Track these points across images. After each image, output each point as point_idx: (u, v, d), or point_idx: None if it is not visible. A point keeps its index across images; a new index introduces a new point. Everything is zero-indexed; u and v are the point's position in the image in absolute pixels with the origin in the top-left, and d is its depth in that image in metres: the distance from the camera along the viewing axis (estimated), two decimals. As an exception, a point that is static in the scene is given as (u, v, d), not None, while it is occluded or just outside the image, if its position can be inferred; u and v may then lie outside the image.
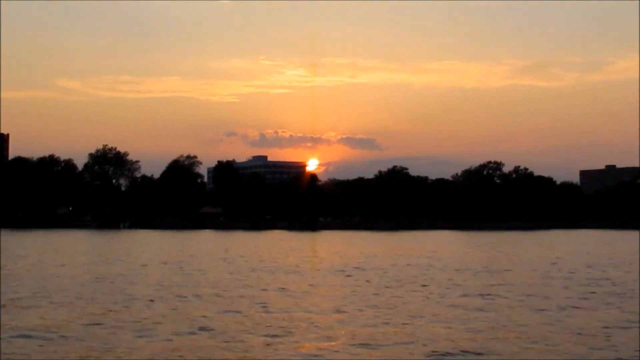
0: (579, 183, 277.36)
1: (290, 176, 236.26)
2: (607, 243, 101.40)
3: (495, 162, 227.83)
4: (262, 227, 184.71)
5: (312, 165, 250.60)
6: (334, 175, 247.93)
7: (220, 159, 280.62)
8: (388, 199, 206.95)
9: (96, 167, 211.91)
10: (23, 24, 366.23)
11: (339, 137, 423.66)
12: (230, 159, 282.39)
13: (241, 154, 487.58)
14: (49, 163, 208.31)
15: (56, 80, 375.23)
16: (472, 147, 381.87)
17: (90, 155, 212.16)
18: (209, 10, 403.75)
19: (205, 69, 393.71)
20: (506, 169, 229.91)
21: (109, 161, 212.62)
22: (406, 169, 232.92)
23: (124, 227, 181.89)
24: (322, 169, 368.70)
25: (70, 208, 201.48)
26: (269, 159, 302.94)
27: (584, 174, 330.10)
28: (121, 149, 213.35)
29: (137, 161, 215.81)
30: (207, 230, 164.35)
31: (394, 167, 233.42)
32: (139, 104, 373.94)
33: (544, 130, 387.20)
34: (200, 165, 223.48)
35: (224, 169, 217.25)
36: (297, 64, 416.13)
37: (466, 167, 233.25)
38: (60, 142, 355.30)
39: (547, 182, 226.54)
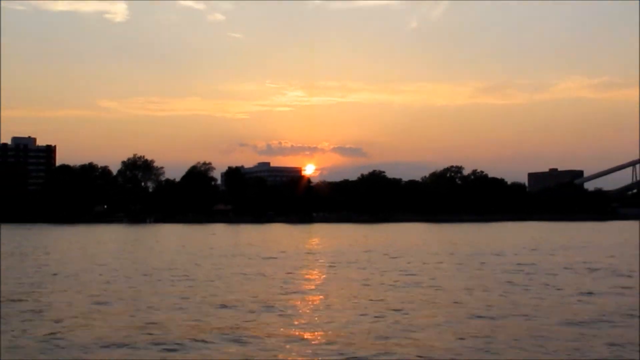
0: (526, 183, 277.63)
1: (289, 179, 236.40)
2: (540, 233, 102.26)
3: (457, 166, 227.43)
4: (263, 221, 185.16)
5: (310, 169, 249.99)
6: (327, 178, 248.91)
7: (232, 165, 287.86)
8: (369, 197, 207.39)
9: (128, 172, 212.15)
10: (71, 54, 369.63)
11: (331, 146, 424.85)
12: (240, 165, 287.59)
13: (251, 161, 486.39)
14: (89, 169, 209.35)
15: (98, 101, 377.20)
16: (442, 153, 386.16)
17: (123, 162, 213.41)
18: (224, 42, 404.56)
19: (220, 91, 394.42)
20: (466, 172, 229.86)
21: (138, 167, 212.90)
22: (384, 172, 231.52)
23: (149, 222, 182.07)
24: (317, 173, 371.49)
25: (105, 206, 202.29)
26: (273, 164, 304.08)
27: (531, 175, 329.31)
28: (150, 157, 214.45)
29: (162, 167, 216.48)
30: (218, 224, 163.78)
31: (374, 171, 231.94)
32: (166, 121, 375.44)
33: (500, 139, 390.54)
34: (214, 170, 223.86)
35: (233, 173, 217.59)
36: (296, 86, 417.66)
37: (434, 170, 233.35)
38: (100, 152, 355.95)
39: (499, 182, 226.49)
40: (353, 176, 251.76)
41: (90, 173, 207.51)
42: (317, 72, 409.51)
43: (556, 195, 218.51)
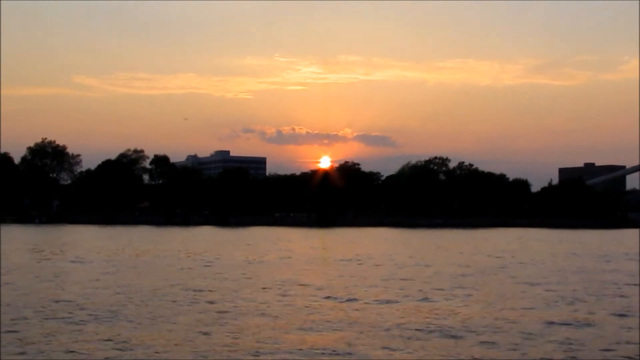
0: (557, 179, 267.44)
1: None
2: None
3: (441, 158, 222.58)
4: (175, 222, 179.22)
5: (325, 162, 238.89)
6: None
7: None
8: (322, 195, 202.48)
9: (36, 161, 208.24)
10: (39, 21, 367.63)
11: (354, 134, 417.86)
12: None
13: (258, 150, 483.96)
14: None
15: (73, 77, 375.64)
16: (486, 144, 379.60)
17: (29, 149, 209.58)
18: (224, 7, 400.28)
19: (219, 66, 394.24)
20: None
21: (47, 155, 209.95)
22: (358, 164, 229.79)
23: (38, 222, 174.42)
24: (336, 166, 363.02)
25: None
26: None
27: (562, 171, 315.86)
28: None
29: (78, 155, 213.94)
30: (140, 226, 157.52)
31: (345, 162, 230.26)
32: (155, 101, 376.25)
33: (553, 127, 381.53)
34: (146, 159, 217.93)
35: (160, 163, 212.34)
36: (311, 61, 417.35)
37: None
38: (76, 138, 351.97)
39: (494, 179, 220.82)
40: (380, 168, 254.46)
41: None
42: (336, 45, 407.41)
43: (560, 196, 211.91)
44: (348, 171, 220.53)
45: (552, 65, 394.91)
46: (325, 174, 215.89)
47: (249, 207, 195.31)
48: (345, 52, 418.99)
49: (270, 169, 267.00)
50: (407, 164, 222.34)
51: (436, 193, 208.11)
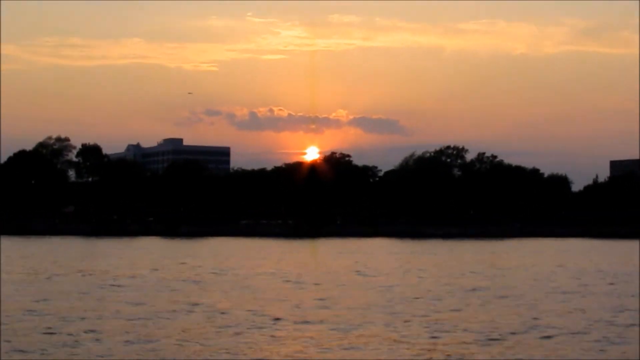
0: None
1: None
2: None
3: (455, 147, 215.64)
4: (111, 232, 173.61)
5: (312, 154, 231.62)
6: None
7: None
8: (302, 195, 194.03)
9: None
10: None
11: (351, 116, 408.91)
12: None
13: (226, 138, 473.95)
14: None
15: None
16: (517, 130, 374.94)
17: None
18: None
19: (175, 29, 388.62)
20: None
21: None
22: (348, 156, 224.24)
23: None
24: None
25: None
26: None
27: (614, 164, 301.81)
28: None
29: None
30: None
31: (332, 153, 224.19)
32: (90, 74, 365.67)
33: (607, 109, 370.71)
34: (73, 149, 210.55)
35: (90, 153, 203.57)
36: (294, 22, 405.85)
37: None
38: None
39: (524, 174, 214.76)
40: (384, 162, 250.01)
41: None
42: (327, 1, 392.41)
43: (607, 196, 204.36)
44: (335, 165, 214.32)
45: (605, 28, 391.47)
46: (306, 168, 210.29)
47: (206, 212, 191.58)
48: (339, 10, 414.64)
49: (239, 162, 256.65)
50: (411, 156, 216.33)
51: (448, 193, 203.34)
